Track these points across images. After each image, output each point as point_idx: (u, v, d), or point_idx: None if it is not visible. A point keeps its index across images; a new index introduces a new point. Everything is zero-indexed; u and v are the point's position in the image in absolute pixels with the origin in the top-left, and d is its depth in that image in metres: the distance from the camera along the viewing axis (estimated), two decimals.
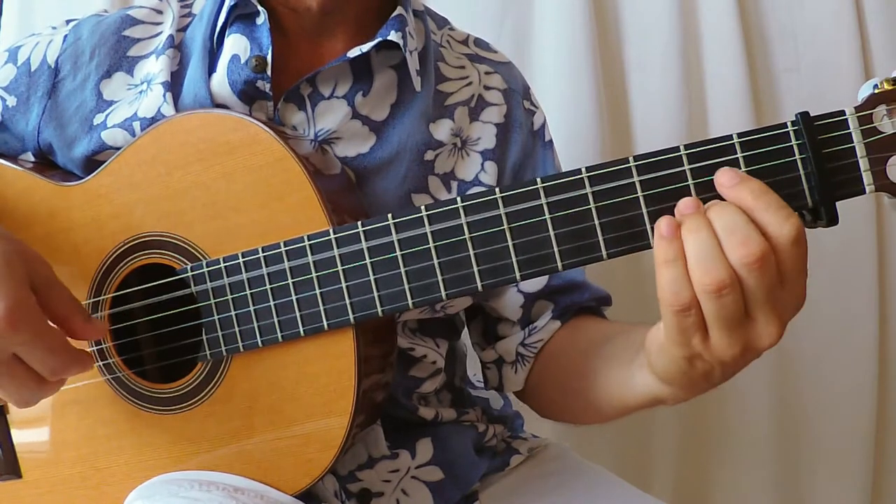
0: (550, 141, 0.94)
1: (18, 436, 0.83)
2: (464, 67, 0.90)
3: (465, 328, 0.97)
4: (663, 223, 0.58)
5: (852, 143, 0.59)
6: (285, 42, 0.84)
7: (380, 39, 0.81)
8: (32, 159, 0.88)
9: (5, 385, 0.68)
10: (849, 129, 0.59)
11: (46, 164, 0.88)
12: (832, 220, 0.60)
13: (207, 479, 0.74)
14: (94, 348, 0.79)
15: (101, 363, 0.79)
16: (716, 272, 0.56)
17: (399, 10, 0.83)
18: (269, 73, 0.80)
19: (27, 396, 0.70)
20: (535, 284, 0.89)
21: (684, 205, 0.59)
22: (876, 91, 0.59)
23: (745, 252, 0.56)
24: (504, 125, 0.89)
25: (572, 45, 1.34)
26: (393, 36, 0.81)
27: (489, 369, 0.93)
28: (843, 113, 0.59)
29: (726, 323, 0.58)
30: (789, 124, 0.60)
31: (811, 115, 0.59)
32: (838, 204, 0.61)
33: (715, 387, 0.66)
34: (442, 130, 0.86)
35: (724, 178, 0.59)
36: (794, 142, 0.59)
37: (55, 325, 0.69)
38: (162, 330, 0.78)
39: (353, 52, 0.81)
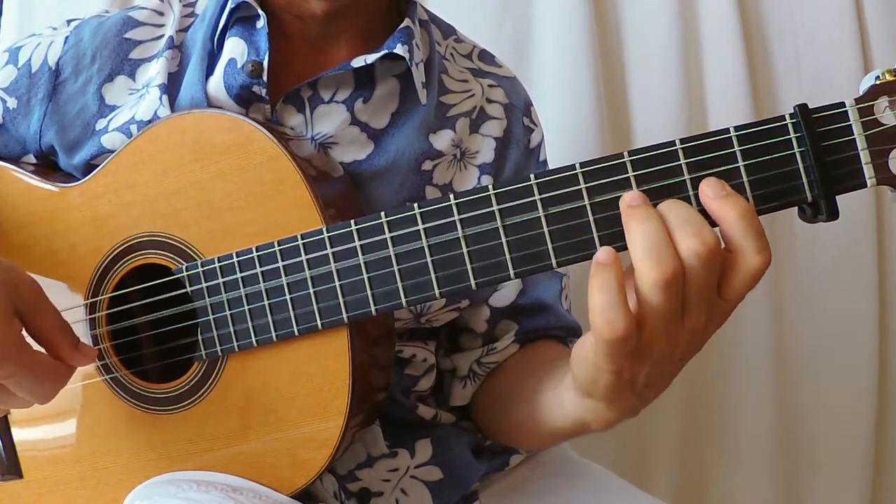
0: (545, 161, 0.94)
1: (19, 436, 0.83)
2: (467, 81, 0.90)
3: None
4: (603, 253, 0.55)
5: (852, 135, 0.58)
6: (288, 45, 0.83)
7: (385, 52, 0.80)
8: (34, 161, 0.88)
9: (5, 401, 0.68)
10: (849, 121, 0.58)
11: (47, 165, 0.88)
12: (832, 214, 0.59)
13: (205, 479, 0.74)
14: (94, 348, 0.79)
15: (98, 363, 0.79)
16: (667, 263, 0.53)
17: (406, 21, 0.83)
18: (265, 78, 0.79)
19: (26, 406, 0.69)
20: (503, 299, 0.89)
21: (630, 197, 0.56)
22: (878, 82, 0.57)
23: (699, 241, 0.53)
24: (503, 140, 0.89)
25: (572, 46, 1.33)
26: (399, 49, 0.80)
27: (442, 376, 0.93)
28: (842, 105, 0.58)
29: (668, 333, 0.56)
30: (787, 117, 0.59)
31: (810, 107, 0.58)
32: (838, 198, 0.59)
33: (641, 399, 0.63)
34: (442, 141, 0.85)
35: (709, 189, 0.57)
36: (792, 135, 0.58)
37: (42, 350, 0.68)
38: (158, 330, 0.78)
39: (357, 63, 0.80)
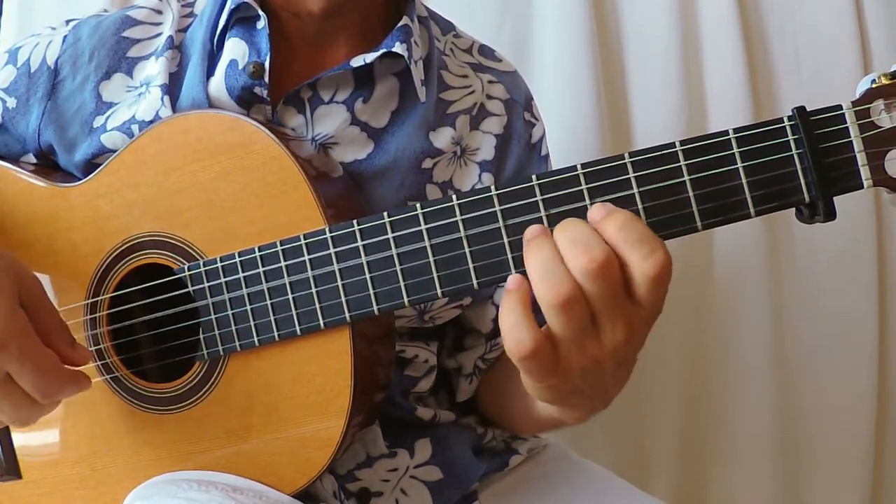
0: (547, 155, 0.94)
1: (18, 436, 0.83)
2: (467, 76, 0.90)
3: None
4: (510, 280, 0.56)
5: (849, 137, 0.58)
6: (287, 46, 0.83)
7: (384, 51, 0.80)
8: (34, 161, 0.88)
9: (2, 406, 0.68)
10: (846, 123, 0.58)
11: (48, 165, 0.88)
12: (829, 215, 0.59)
13: (206, 479, 0.74)
14: (93, 348, 0.79)
15: (99, 363, 0.79)
16: (562, 286, 0.53)
17: (405, 19, 0.83)
18: (266, 79, 0.79)
19: (25, 416, 0.69)
20: None
21: (528, 231, 0.57)
22: (874, 85, 0.58)
23: (588, 258, 0.53)
24: (503, 136, 0.89)
25: (572, 46, 1.33)
26: (398, 48, 0.80)
27: (447, 376, 0.95)
28: (840, 107, 0.59)
29: (581, 345, 0.55)
30: (786, 119, 0.59)
31: (808, 109, 0.59)
32: (837, 200, 0.60)
33: (601, 398, 0.63)
34: (442, 139, 0.85)
35: (592, 215, 0.56)
36: (790, 136, 0.59)
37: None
38: (160, 330, 0.78)
39: (357, 62, 0.80)
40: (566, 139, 1.30)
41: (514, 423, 0.91)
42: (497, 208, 0.62)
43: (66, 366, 0.69)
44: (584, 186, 0.61)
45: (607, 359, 0.56)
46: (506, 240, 0.62)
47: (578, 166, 0.61)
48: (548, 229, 0.56)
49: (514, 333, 0.54)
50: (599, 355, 0.56)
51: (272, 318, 0.71)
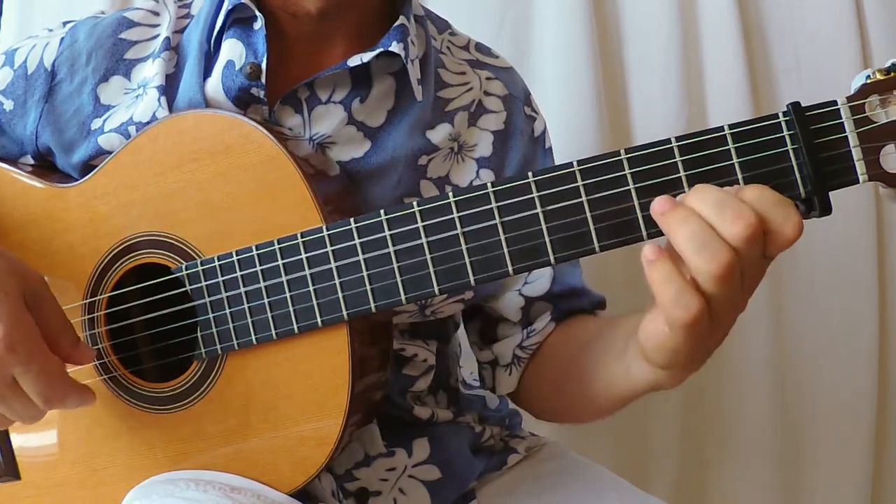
0: (550, 148, 0.94)
1: (17, 437, 0.83)
2: (465, 73, 0.90)
3: (460, 328, 0.97)
4: (649, 251, 0.57)
5: (845, 132, 0.58)
6: (284, 46, 0.83)
7: (381, 50, 0.80)
8: (32, 162, 0.88)
9: (12, 405, 0.68)
10: (841, 118, 0.59)
11: (45, 166, 0.88)
12: (825, 209, 0.60)
13: (204, 478, 0.74)
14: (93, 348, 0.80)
15: (97, 363, 0.79)
16: (722, 255, 0.55)
17: (401, 19, 0.83)
18: (263, 80, 0.79)
19: (34, 413, 0.70)
20: (537, 290, 0.89)
21: (658, 204, 0.58)
22: (868, 81, 0.58)
23: (744, 224, 0.55)
24: (503, 132, 0.89)
25: (572, 45, 1.34)
26: (394, 47, 0.80)
27: (485, 369, 0.93)
28: (835, 103, 0.59)
29: (732, 303, 0.58)
30: (781, 115, 0.60)
31: (803, 105, 0.59)
32: (837, 200, 0.60)
33: (711, 353, 0.65)
34: (439, 135, 0.85)
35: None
36: (785, 132, 0.59)
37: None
38: (158, 329, 0.78)
39: (354, 62, 0.80)
40: (566, 138, 1.30)
41: (582, 408, 0.87)
42: (493, 205, 0.62)
43: (71, 364, 0.70)
44: (580, 183, 0.61)
45: (742, 304, 0.60)
46: (502, 236, 0.63)
47: (574, 163, 0.61)
48: (675, 199, 0.57)
49: (682, 300, 0.56)
50: (744, 303, 0.59)
51: (270, 316, 0.71)
